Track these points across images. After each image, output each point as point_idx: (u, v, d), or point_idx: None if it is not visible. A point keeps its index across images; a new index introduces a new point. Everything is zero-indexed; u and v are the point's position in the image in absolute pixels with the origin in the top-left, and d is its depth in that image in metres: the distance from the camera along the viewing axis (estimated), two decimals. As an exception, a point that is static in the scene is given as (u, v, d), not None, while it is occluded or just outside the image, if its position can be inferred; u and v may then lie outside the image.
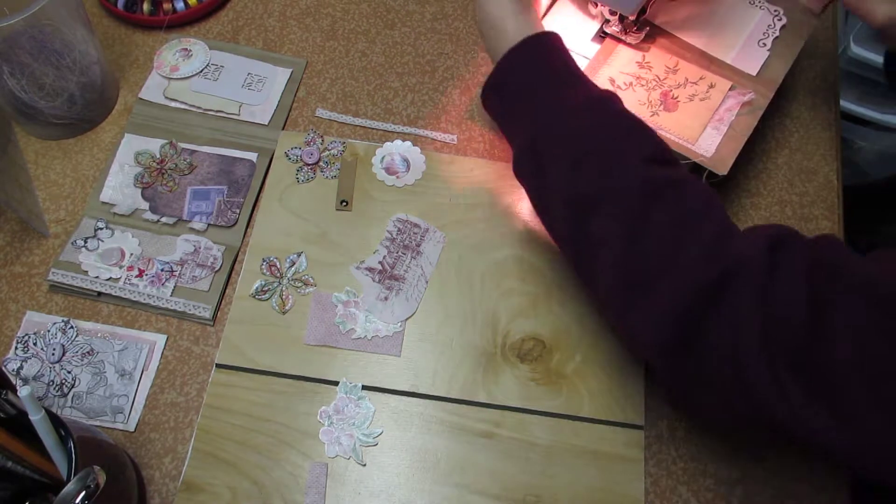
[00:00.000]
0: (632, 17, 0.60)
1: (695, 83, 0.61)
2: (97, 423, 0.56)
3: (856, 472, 0.48)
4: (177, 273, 0.61)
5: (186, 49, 0.72)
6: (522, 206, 0.65)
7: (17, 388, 0.44)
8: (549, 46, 0.53)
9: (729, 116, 0.59)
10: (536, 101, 0.51)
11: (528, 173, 0.52)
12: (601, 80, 0.61)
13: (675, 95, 0.60)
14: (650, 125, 0.50)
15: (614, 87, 0.61)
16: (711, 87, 0.61)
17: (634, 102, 0.60)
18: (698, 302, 0.42)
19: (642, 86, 0.60)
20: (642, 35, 0.62)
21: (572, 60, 0.53)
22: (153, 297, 0.60)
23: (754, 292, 0.41)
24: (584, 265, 0.50)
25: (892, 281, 0.39)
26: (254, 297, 0.60)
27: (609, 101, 0.51)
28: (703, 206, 0.45)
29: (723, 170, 0.57)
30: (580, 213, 0.48)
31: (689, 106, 0.60)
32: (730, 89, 0.60)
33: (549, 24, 0.63)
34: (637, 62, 0.62)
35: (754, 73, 0.61)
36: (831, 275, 0.40)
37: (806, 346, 0.39)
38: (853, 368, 0.38)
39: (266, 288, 0.61)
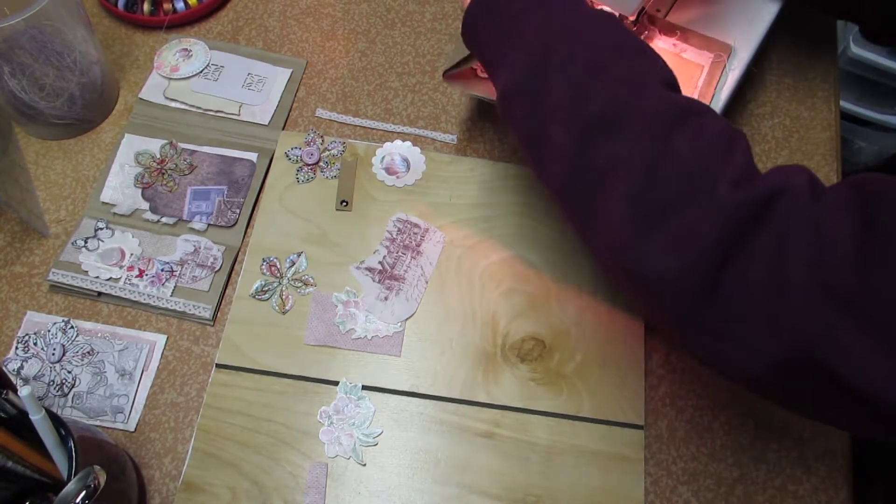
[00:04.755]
0: (631, 18, 0.60)
1: None
2: (97, 423, 0.56)
3: None
4: (177, 273, 0.61)
5: (186, 49, 0.72)
6: (522, 206, 0.65)
7: (18, 387, 0.44)
8: None
9: None
10: (540, 12, 0.46)
11: (523, 101, 0.45)
12: None
13: None
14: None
15: None
16: None
17: None
18: (737, 223, 0.37)
19: None
20: (641, 37, 0.62)
21: None
22: (153, 297, 0.60)
23: (804, 215, 0.37)
24: (584, 203, 0.43)
25: None
26: (254, 297, 0.60)
27: (617, 19, 0.46)
28: (731, 136, 0.41)
29: None
30: (588, 138, 0.42)
31: None
32: None
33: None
34: None
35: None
36: (880, 199, 0.36)
37: (863, 279, 0.35)
38: None
39: (266, 288, 0.61)
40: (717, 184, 0.38)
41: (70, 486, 0.42)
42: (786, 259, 0.36)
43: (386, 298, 0.60)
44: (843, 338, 0.35)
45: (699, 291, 0.38)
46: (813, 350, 0.36)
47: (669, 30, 0.63)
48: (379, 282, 0.61)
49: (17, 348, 0.58)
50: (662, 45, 0.63)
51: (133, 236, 0.62)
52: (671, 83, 0.44)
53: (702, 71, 0.62)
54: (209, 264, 0.61)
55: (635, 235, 0.40)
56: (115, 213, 0.63)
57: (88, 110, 0.67)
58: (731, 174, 0.39)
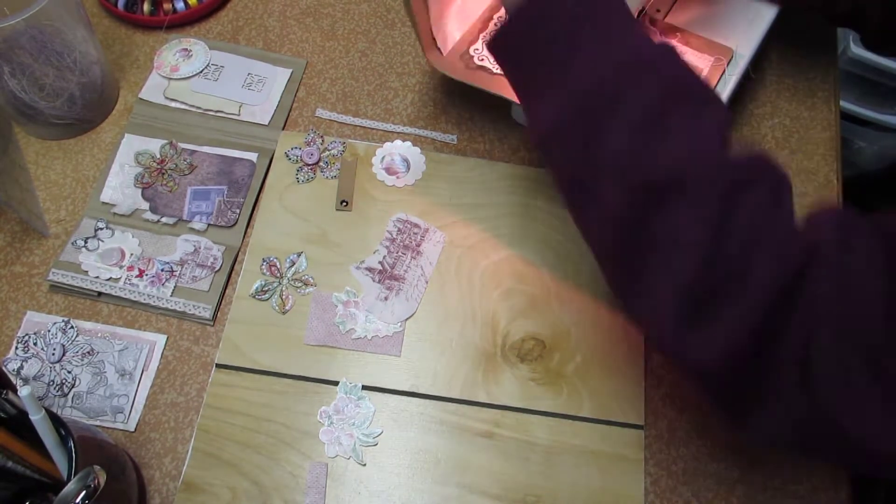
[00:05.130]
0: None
1: None
2: (97, 423, 0.56)
3: None
4: (177, 273, 0.61)
5: (186, 49, 0.72)
6: (522, 206, 0.65)
7: (18, 387, 0.44)
8: None
9: None
10: (597, 44, 0.40)
11: (572, 143, 0.41)
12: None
13: None
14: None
15: None
16: None
17: None
18: (778, 304, 0.36)
19: None
20: None
21: None
22: (153, 297, 0.60)
23: (832, 276, 0.36)
24: (630, 269, 0.40)
25: None
26: (254, 297, 0.60)
27: (678, 54, 0.41)
28: (780, 192, 0.39)
29: None
30: (644, 203, 0.38)
31: None
32: None
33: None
34: None
35: None
36: None
37: (886, 339, 0.34)
38: None
39: (266, 288, 0.61)
40: (766, 256, 0.37)
41: (70, 486, 0.42)
42: (816, 329, 0.36)
43: (386, 298, 0.60)
44: (866, 411, 0.36)
45: (736, 374, 0.39)
46: (836, 420, 0.36)
47: (669, 31, 0.63)
48: (379, 282, 0.61)
49: (17, 348, 0.58)
50: None
51: (133, 236, 0.62)
52: (728, 130, 0.41)
53: (700, 73, 0.62)
54: (209, 264, 0.61)
55: (677, 324, 0.38)
56: (115, 213, 0.63)
57: (88, 110, 0.67)
58: (780, 240, 0.38)
